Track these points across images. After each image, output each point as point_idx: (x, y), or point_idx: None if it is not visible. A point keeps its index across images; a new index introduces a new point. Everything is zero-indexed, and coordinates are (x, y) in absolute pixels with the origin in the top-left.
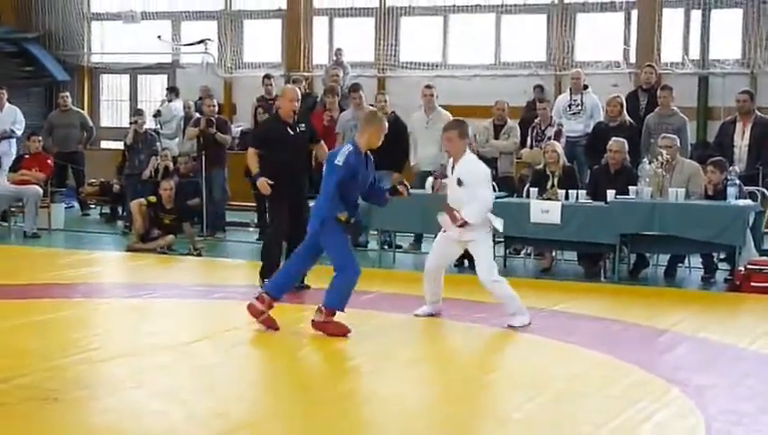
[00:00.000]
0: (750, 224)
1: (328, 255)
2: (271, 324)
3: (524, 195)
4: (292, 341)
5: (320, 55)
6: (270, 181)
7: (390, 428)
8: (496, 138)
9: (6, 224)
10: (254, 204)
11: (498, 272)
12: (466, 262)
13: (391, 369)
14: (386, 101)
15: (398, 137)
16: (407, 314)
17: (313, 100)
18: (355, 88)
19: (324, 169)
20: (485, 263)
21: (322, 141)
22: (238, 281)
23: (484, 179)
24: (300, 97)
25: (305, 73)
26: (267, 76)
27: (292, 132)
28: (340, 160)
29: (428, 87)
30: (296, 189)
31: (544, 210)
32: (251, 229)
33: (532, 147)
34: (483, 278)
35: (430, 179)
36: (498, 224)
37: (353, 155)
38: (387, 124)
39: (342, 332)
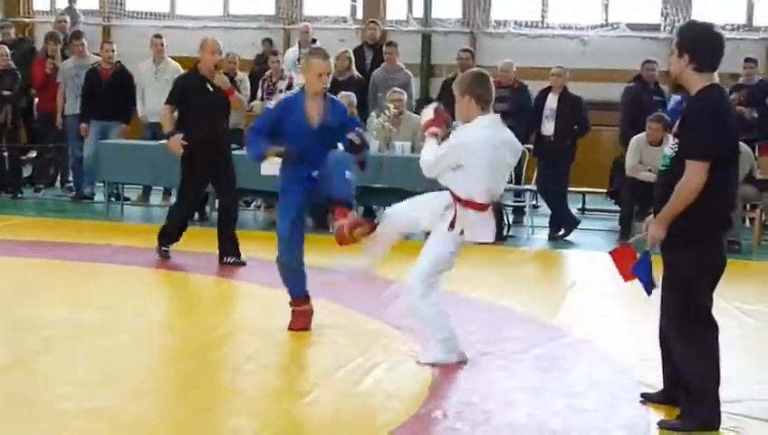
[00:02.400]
0: None
1: None
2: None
3: None
4: (15, 297)
5: (41, 0)
6: (184, 142)
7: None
8: None
9: None
10: None
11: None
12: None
13: (121, 322)
14: (113, 51)
15: (123, 87)
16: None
17: (29, 46)
18: (77, 35)
19: None
20: (420, 264)
21: (236, 92)
22: None
23: (452, 143)
24: (221, 49)
25: (26, 19)
26: None
27: (211, 88)
28: (271, 103)
29: (158, 37)
30: (216, 153)
31: (273, 163)
32: None
33: (263, 99)
34: (408, 279)
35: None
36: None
37: (290, 98)
38: (322, 61)
39: (298, 326)
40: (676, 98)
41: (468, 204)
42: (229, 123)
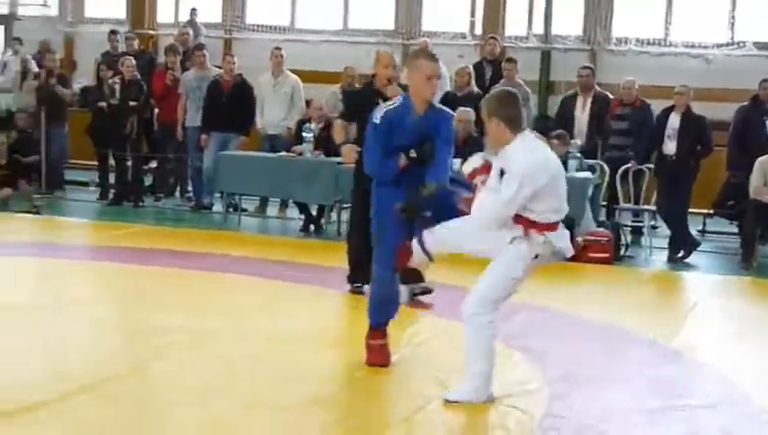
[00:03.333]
0: (589, 196)
1: None
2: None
3: None
4: (135, 304)
5: (166, 13)
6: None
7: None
8: None
9: None
10: (94, 162)
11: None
12: (312, 226)
13: (239, 331)
14: (234, 63)
15: (243, 99)
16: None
17: (149, 57)
18: (199, 47)
19: None
20: (480, 289)
21: None
22: (78, 241)
23: (517, 175)
24: (396, 63)
25: (150, 31)
26: (113, 32)
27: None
28: (377, 116)
29: (278, 48)
30: None
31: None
32: (91, 188)
33: None
34: (465, 306)
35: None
36: (559, 241)
37: (395, 110)
38: (431, 62)
39: (377, 361)
40: None
41: (542, 226)
42: None
